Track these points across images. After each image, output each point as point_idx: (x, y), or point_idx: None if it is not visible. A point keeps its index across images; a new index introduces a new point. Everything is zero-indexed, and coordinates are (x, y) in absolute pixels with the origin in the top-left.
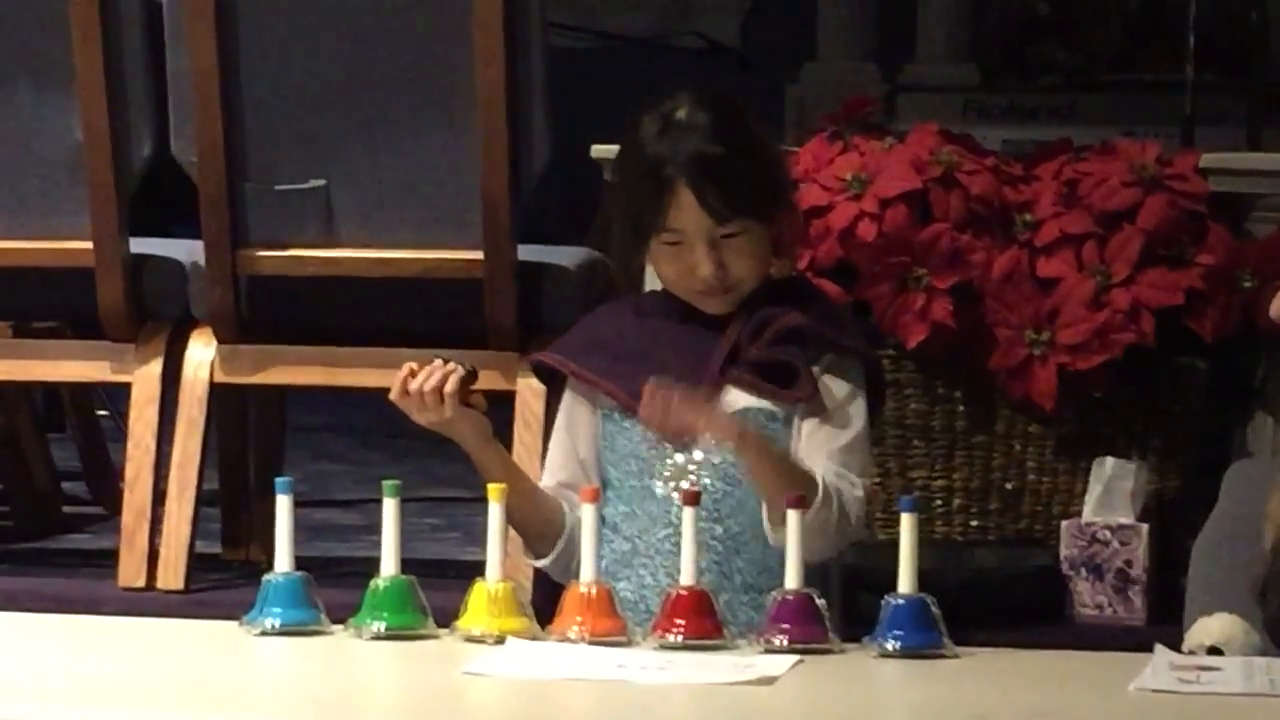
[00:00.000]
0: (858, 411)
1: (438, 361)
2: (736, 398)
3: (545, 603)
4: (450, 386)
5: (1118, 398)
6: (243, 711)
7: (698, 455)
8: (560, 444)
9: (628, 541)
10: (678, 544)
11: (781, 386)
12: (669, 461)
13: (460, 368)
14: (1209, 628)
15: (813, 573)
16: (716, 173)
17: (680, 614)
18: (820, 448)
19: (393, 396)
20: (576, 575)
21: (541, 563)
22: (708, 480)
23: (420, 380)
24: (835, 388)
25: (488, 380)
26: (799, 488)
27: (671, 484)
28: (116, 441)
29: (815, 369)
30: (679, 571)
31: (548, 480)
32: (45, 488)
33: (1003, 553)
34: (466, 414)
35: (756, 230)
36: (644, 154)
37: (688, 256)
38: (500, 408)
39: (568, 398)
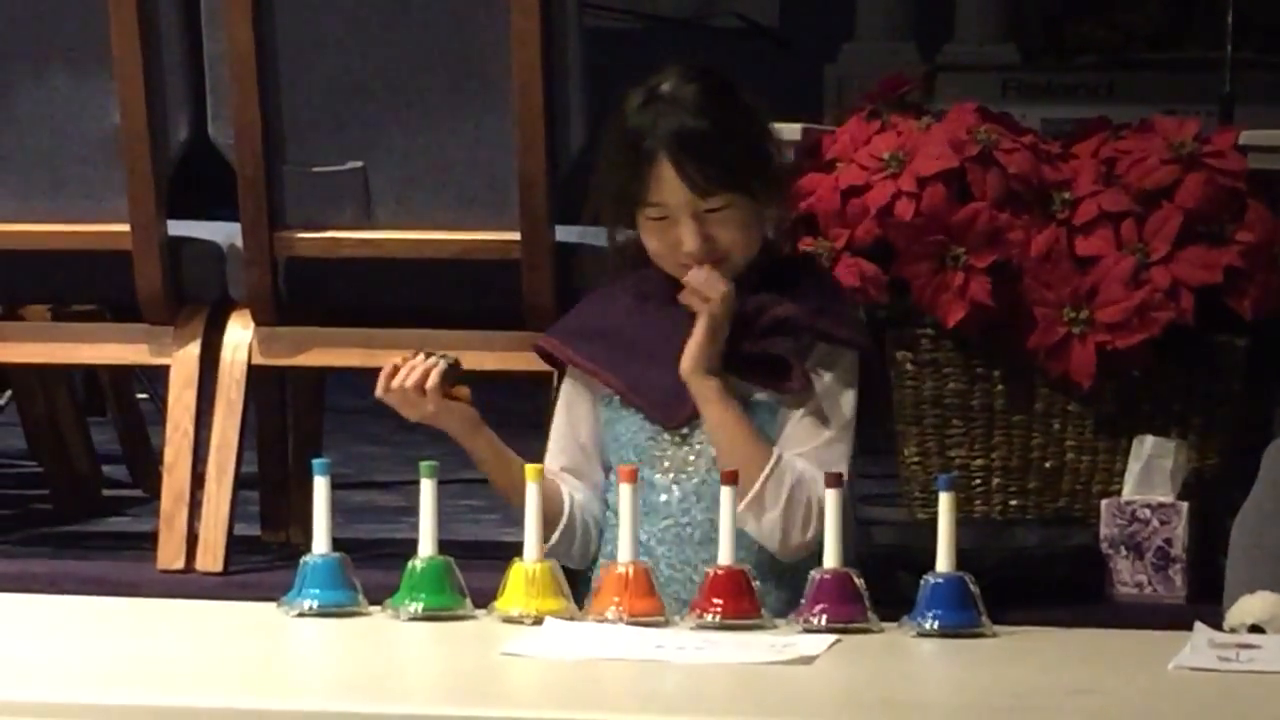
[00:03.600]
0: (843, 408)
1: (420, 356)
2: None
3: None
4: (431, 382)
5: (1157, 376)
6: (281, 692)
7: (696, 447)
8: (560, 429)
9: None
10: (678, 535)
11: (774, 379)
12: (668, 453)
13: (442, 361)
14: (1250, 606)
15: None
16: (696, 146)
17: (719, 594)
18: (798, 445)
19: (377, 393)
20: (577, 560)
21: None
22: (706, 471)
23: (401, 377)
24: (822, 383)
25: (527, 362)
26: (755, 455)
27: (670, 475)
28: (156, 425)
29: (809, 363)
30: (680, 562)
31: (549, 464)
32: (85, 471)
33: (1042, 531)
34: (451, 407)
35: (743, 203)
36: (626, 127)
37: (672, 231)
38: (539, 389)
39: (567, 383)
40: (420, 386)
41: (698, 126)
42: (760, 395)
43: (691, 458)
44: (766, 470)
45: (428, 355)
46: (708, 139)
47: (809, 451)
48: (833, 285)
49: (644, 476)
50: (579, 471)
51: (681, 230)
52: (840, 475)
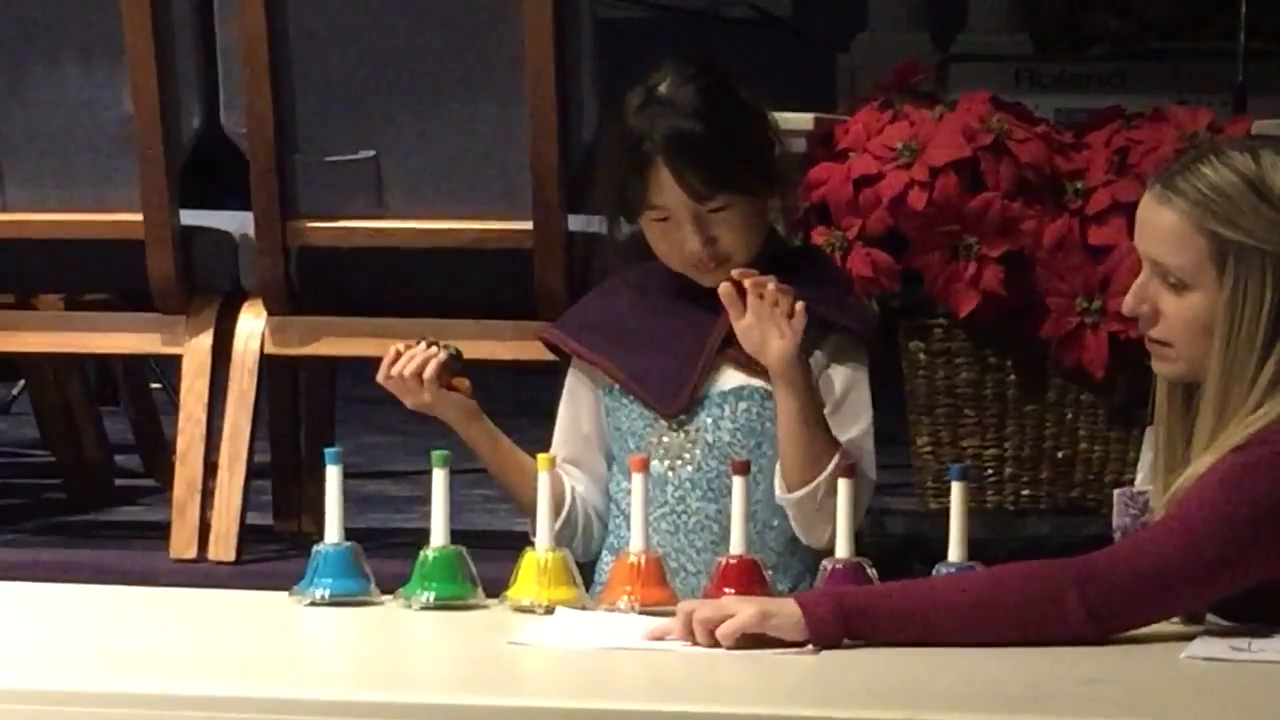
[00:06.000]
0: (864, 404)
1: (422, 345)
2: (732, 376)
3: None
4: (429, 372)
5: None
6: (292, 681)
7: (694, 435)
8: (563, 420)
9: (629, 519)
10: (675, 523)
11: None
12: (664, 439)
13: (443, 352)
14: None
15: (810, 558)
16: (694, 151)
17: (730, 583)
18: None
19: (379, 378)
20: (579, 553)
21: None
22: (703, 459)
23: (401, 365)
24: (839, 380)
25: (539, 352)
26: (828, 445)
27: (666, 462)
28: (169, 414)
29: (819, 354)
30: (675, 550)
31: (553, 455)
32: (98, 460)
33: (1054, 521)
34: (448, 397)
35: (744, 202)
36: (625, 129)
37: (675, 232)
38: (550, 379)
39: (571, 375)
40: (419, 375)
41: (693, 130)
42: (762, 383)
43: (689, 446)
44: (835, 459)
45: (430, 344)
46: (705, 143)
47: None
48: (839, 275)
49: None
50: (581, 463)
51: (684, 232)
52: (852, 465)
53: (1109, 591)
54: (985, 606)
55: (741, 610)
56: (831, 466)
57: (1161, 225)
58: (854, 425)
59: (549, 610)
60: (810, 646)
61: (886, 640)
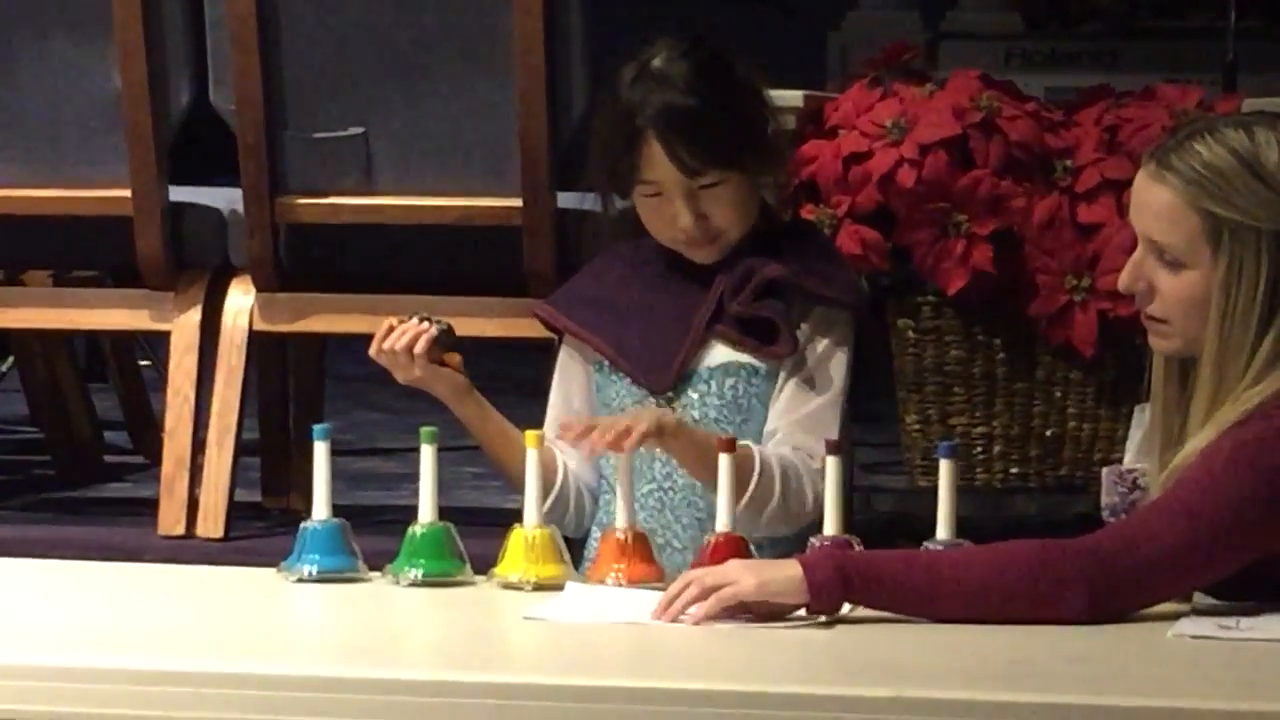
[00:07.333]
0: (836, 372)
1: (414, 320)
2: (720, 352)
3: None
4: (420, 347)
5: None
6: (280, 657)
7: (681, 411)
8: (555, 397)
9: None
10: (662, 499)
11: (763, 342)
12: None
13: (435, 327)
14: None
15: (797, 534)
16: (686, 125)
17: (716, 560)
18: (788, 411)
19: (370, 352)
20: (571, 529)
21: None
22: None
23: (392, 339)
24: (818, 346)
25: (528, 328)
26: (739, 466)
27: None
28: (158, 391)
29: (804, 327)
30: (662, 526)
31: (546, 431)
32: (87, 437)
33: (1043, 500)
34: (439, 373)
35: (736, 179)
36: (618, 103)
37: (667, 207)
38: (540, 355)
39: (563, 351)
40: (410, 350)
41: (686, 105)
42: (751, 359)
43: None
44: (755, 477)
45: (422, 319)
46: (697, 118)
47: (801, 417)
48: (829, 248)
49: None
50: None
51: (675, 208)
52: (839, 443)
53: (1116, 583)
54: (989, 587)
55: (741, 579)
56: (751, 487)
57: (1156, 203)
58: (817, 396)
59: (537, 586)
60: (820, 618)
61: (884, 607)
